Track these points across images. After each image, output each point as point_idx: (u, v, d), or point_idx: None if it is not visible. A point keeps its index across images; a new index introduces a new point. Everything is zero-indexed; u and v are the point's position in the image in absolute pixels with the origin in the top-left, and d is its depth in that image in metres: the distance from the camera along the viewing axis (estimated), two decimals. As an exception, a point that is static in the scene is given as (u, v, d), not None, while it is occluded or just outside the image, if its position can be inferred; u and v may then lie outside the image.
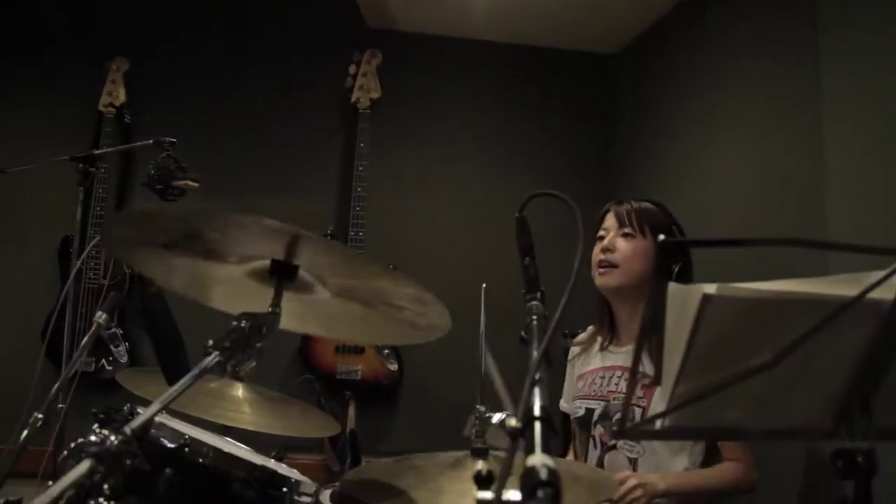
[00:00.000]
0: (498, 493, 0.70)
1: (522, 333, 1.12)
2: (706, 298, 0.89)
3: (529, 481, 0.63)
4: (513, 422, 0.77)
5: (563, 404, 2.29)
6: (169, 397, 1.11)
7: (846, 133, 2.05)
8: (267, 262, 1.33)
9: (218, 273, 1.39)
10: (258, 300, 1.27)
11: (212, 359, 1.17)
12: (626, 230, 2.07)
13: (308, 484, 1.64)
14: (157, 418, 1.55)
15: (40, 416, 1.60)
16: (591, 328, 2.28)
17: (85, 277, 3.32)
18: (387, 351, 3.21)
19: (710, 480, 1.99)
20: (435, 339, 3.26)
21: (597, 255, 2.10)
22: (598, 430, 2.09)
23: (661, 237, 0.82)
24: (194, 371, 1.15)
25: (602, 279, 2.08)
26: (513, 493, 0.70)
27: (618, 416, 2.05)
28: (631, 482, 1.88)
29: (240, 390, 1.96)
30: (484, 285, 1.38)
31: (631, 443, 2.01)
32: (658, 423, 1.01)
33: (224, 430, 1.95)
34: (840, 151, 2.05)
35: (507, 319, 1.72)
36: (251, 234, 1.28)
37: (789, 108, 2.29)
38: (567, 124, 3.58)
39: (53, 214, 3.34)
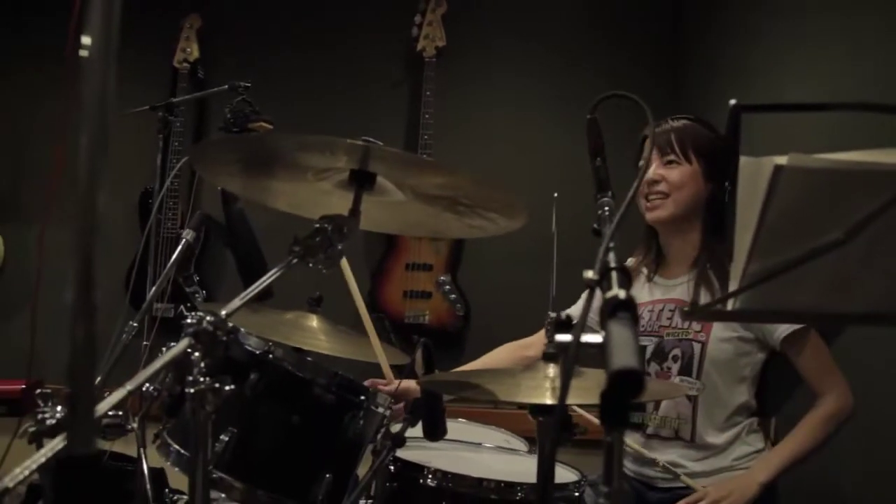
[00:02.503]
0: (577, 335, 0.73)
1: (595, 225, 1.16)
2: (778, 170, 0.90)
3: (610, 305, 0.67)
4: (590, 274, 0.81)
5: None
6: (257, 286, 1.18)
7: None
8: (345, 174, 1.39)
9: (297, 186, 1.46)
10: (341, 206, 1.33)
11: (296, 255, 1.23)
12: (669, 157, 1.97)
13: (384, 396, 1.71)
14: (241, 329, 1.65)
15: (135, 324, 1.69)
16: (631, 259, 2.18)
17: (163, 227, 3.46)
18: (454, 296, 3.27)
19: (806, 441, 1.86)
20: (505, 277, 3.28)
21: (642, 187, 2.00)
22: (652, 368, 2.02)
23: (733, 101, 0.84)
24: (281, 265, 1.22)
25: (654, 213, 2.00)
26: (591, 336, 0.74)
27: (675, 351, 1.98)
28: (706, 502, 1.82)
29: (314, 321, 2.03)
30: (556, 194, 1.41)
31: (690, 380, 1.95)
32: (730, 304, 1.03)
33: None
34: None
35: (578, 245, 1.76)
36: (326, 154, 1.33)
37: (878, 39, 2.15)
38: (636, 64, 3.50)
39: (133, 168, 3.48)
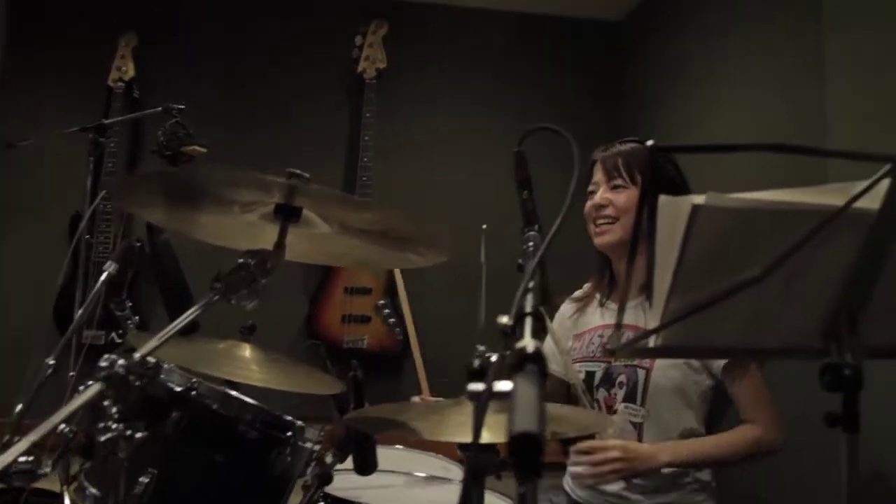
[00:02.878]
0: (489, 384, 0.72)
1: (519, 261, 1.15)
2: (696, 209, 0.91)
3: (517, 358, 0.66)
4: (504, 320, 0.79)
5: (555, 367, 2.10)
6: (175, 326, 1.14)
7: (847, 89, 2.06)
8: (271, 206, 1.36)
9: (223, 219, 1.42)
10: (267, 238, 1.30)
11: (217, 291, 1.19)
12: (616, 182, 1.95)
13: (312, 430, 1.67)
14: (165, 366, 1.60)
15: (52, 361, 1.63)
16: (587, 286, 2.18)
17: (94, 252, 3.36)
18: (393, 320, 3.25)
19: (723, 448, 1.87)
20: (441, 306, 3.28)
21: (590, 212, 1.99)
22: (601, 395, 1.99)
23: (650, 142, 0.84)
24: (201, 302, 1.18)
25: (602, 238, 1.98)
26: (504, 384, 0.72)
27: (622, 377, 1.96)
28: (612, 453, 1.79)
29: (247, 351, 1.98)
30: (484, 226, 1.40)
31: (634, 406, 1.93)
32: (651, 341, 1.03)
33: (231, 388, 1.98)
34: (840, 105, 2.06)
35: (510, 273, 1.74)
36: (252, 188, 1.31)
37: (793, 64, 2.30)
38: (574, 91, 3.58)
39: (65, 190, 3.38)
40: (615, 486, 1.93)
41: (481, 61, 3.61)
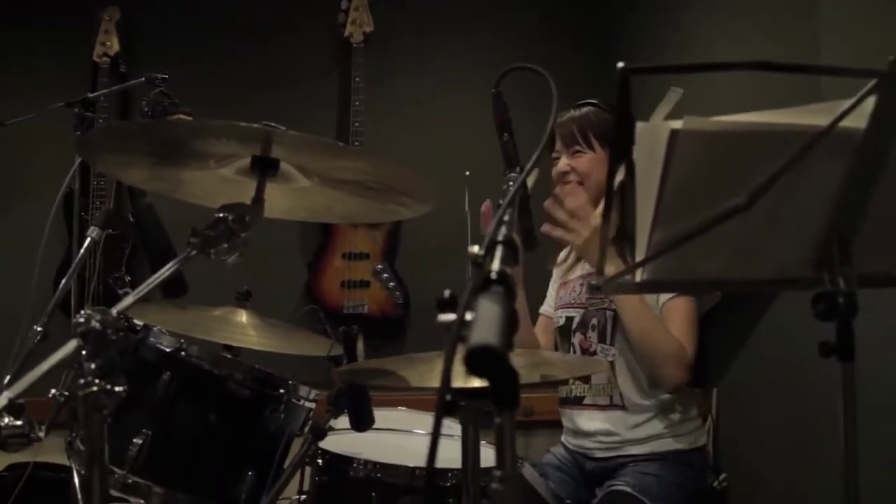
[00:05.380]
0: (461, 314, 0.70)
1: (499, 201, 1.12)
2: (674, 134, 0.88)
3: (481, 281, 0.64)
4: (475, 249, 0.77)
5: (545, 308, 2.34)
6: (154, 280, 1.13)
7: (842, 24, 2.01)
8: (248, 160, 1.33)
9: (201, 175, 1.39)
10: (248, 195, 1.28)
11: (194, 246, 1.17)
12: (575, 147, 2.07)
13: (307, 389, 1.66)
14: (154, 328, 1.59)
15: (39, 328, 1.61)
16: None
17: (89, 228, 3.34)
18: (392, 284, 3.23)
19: (650, 321, 1.92)
20: (425, 257, 3.24)
21: (557, 178, 2.11)
22: (577, 338, 2.12)
23: (621, 64, 0.81)
24: (180, 256, 1.16)
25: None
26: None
27: (594, 320, 2.08)
28: (560, 215, 1.89)
29: (244, 316, 1.97)
30: (467, 172, 1.37)
31: (605, 346, 2.04)
32: (637, 275, 1.00)
33: (229, 353, 1.96)
34: (834, 41, 2.01)
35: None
36: (226, 138, 1.28)
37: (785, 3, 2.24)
38: (566, 49, 3.51)
39: (56, 167, 3.35)
40: (606, 425, 2.03)
41: (470, 22, 3.54)
